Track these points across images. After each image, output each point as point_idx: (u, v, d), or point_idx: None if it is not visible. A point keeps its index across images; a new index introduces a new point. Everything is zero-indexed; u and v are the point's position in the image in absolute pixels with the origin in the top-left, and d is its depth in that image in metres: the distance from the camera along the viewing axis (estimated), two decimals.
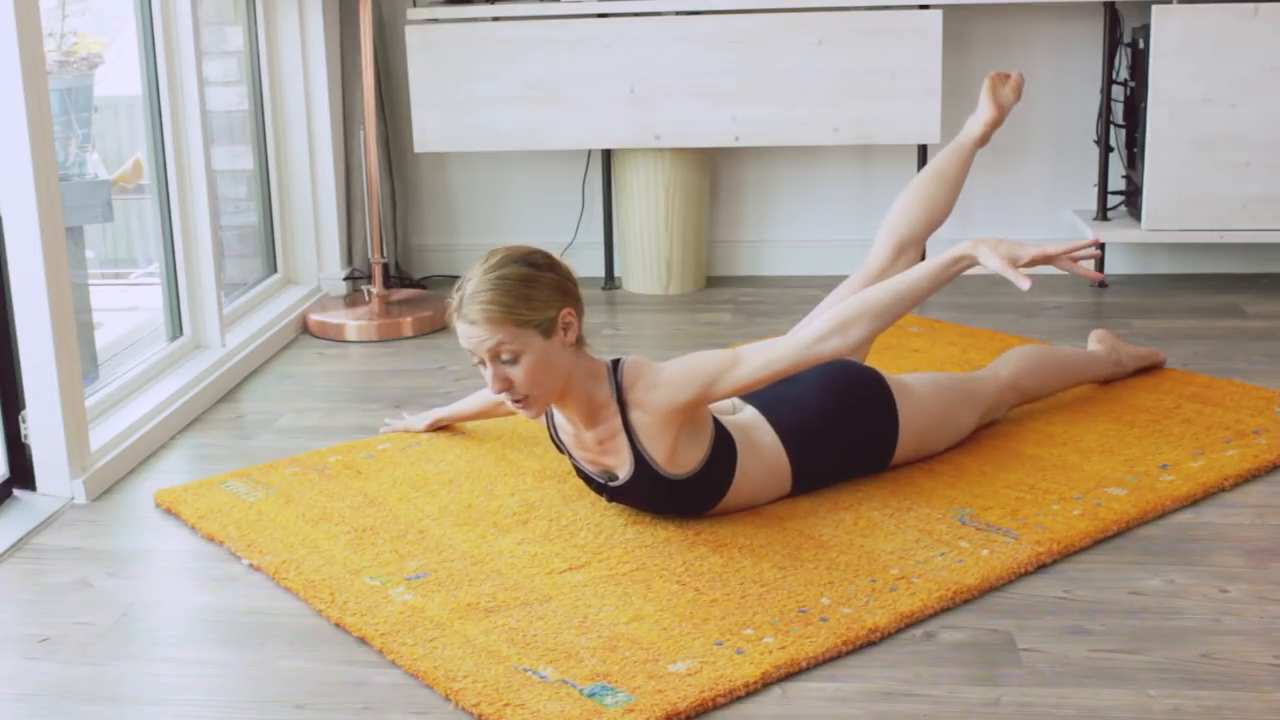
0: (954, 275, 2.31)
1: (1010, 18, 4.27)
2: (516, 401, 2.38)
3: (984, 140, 2.99)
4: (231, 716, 2.01)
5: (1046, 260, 2.26)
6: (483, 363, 2.35)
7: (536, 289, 2.32)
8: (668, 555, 2.42)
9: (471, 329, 2.32)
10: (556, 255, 2.43)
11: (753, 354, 2.38)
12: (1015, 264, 2.20)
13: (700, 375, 2.37)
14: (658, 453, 2.43)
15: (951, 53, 4.23)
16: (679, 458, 2.44)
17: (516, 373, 2.34)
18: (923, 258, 2.89)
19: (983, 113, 2.97)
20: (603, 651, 2.10)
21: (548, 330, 2.33)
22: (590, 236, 4.50)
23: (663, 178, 4.22)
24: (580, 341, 2.42)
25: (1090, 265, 2.20)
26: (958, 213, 4.41)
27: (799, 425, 2.60)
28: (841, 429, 2.64)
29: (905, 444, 2.72)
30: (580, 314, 2.41)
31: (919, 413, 2.73)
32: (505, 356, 2.33)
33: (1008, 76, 2.99)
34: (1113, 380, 3.20)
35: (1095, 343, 3.25)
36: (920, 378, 2.82)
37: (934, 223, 2.94)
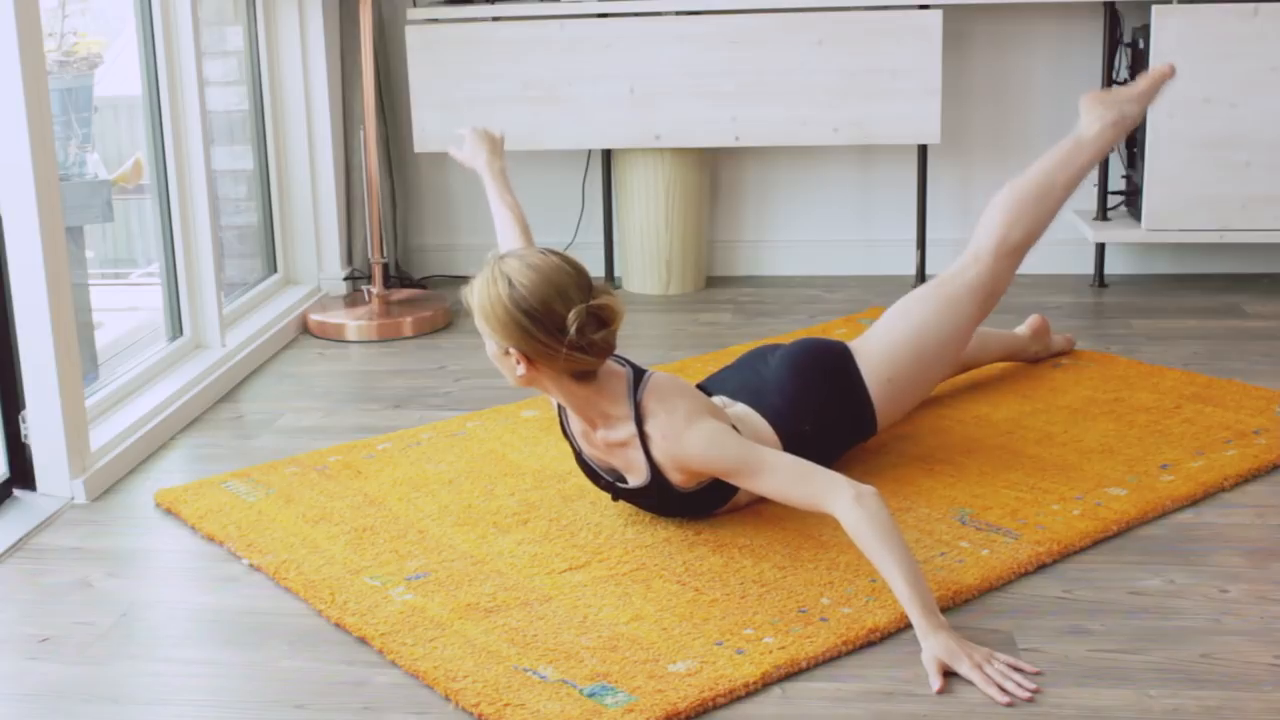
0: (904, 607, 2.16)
1: (1010, 18, 4.27)
2: None
3: (1031, 355, 3.36)
4: (231, 716, 2.02)
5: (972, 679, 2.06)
6: None
7: (496, 316, 2.30)
8: (668, 555, 2.42)
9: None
10: (569, 303, 2.28)
11: (773, 479, 2.29)
12: (944, 670, 2.03)
13: (716, 465, 2.36)
14: (674, 475, 2.43)
15: (951, 53, 4.23)
16: (694, 479, 2.45)
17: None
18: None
19: (1032, 328, 3.36)
20: (603, 651, 2.10)
21: (504, 350, 2.34)
22: (590, 236, 4.50)
23: (663, 178, 4.22)
24: (582, 373, 2.37)
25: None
26: (959, 210, 4.42)
27: (785, 410, 2.60)
28: (821, 404, 2.64)
29: (882, 401, 2.71)
30: (557, 355, 2.29)
31: (885, 367, 2.71)
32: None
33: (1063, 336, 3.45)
34: (1098, 160, 2.95)
35: (1084, 112, 2.92)
36: (884, 327, 2.76)
37: (971, 364, 3.18)
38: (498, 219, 2.77)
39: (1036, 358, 3.36)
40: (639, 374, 2.43)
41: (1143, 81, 2.93)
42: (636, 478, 2.47)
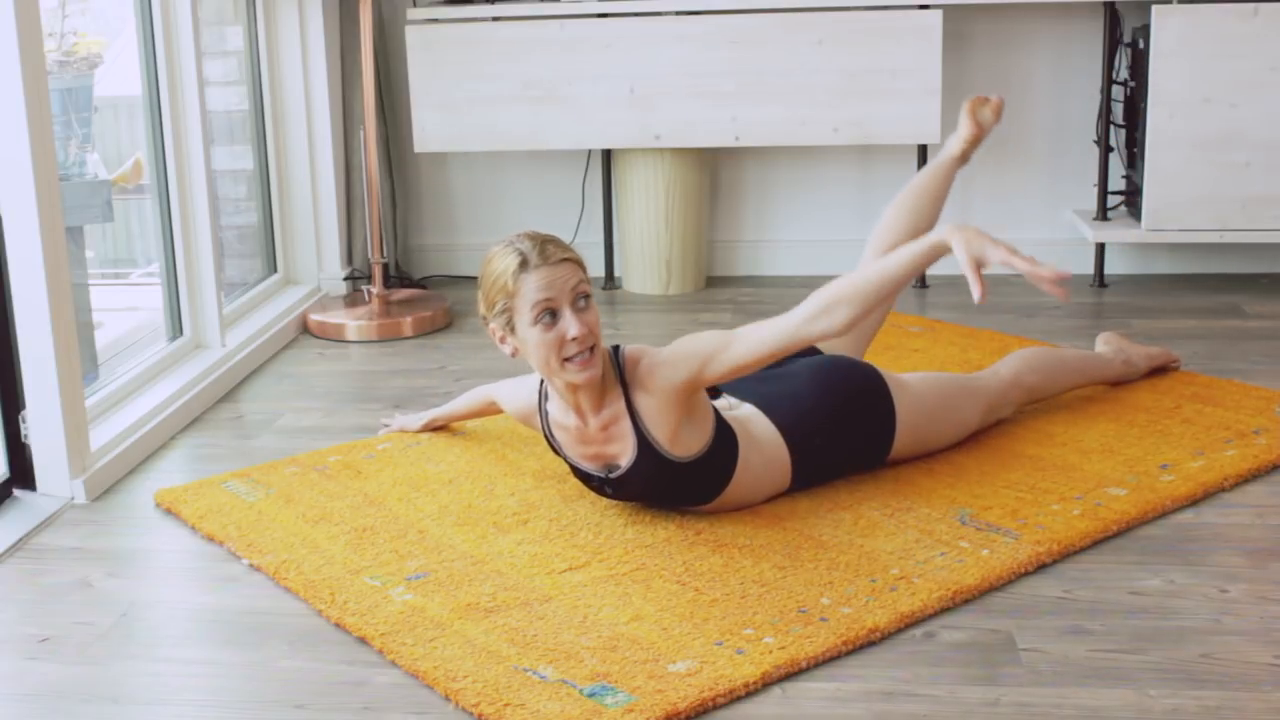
0: (931, 261, 2.36)
1: (1010, 18, 4.27)
2: (584, 359, 2.38)
3: (964, 158, 3.03)
4: (231, 716, 2.02)
5: (1011, 265, 2.29)
6: (552, 314, 2.35)
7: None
8: (668, 555, 2.42)
9: (556, 270, 2.36)
10: None
11: (745, 334, 2.42)
12: (979, 266, 2.24)
13: (696, 354, 2.41)
14: (661, 434, 2.43)
15: (951, 53, 4.23)
16: (682, 439, 2.45)
17: (591, 317, 2.38)
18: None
19: (962, 130, 3.00)
20: (603, 651, 2.10)
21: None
22: (590, 236, 4.50)
23: (663, 178, 4.22)
24: None
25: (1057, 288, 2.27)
26: (959, 210, 4.42)
27: (796, 419, 2.60)
28: (839, 422, 2.64)
29: (903, 436, 2.72)
30: None
31: (915, 405, 2.74)
32: (584, 298, 2.38)
33: (988, 99, 3.02)
34: (1124, 381, 3.19)
35: (1102, 345, 3.26)
36: (919, 375, 2.83)
37: (918, 234, 2.96)
38: (467, 403, 3.04)
39: (1124, 377, 3.22)
40: (615, 347, 2.50)
41: (1155, 350, 3.27)
42: (627, 456, 2.47)
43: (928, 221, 2.97)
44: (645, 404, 2.43)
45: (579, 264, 2.41)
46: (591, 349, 2.38)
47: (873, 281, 2.34)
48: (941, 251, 2.33)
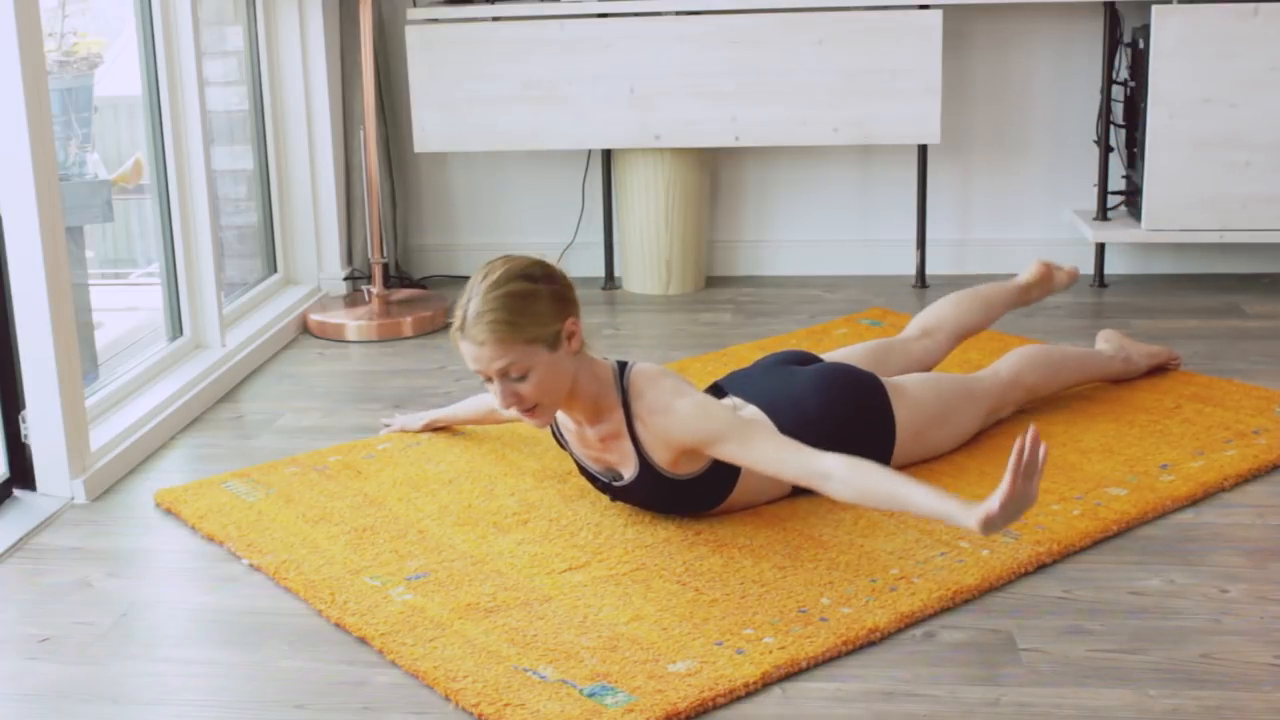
0: (945, 521, 2.21)
1: (1010, 18, 4.27)
2: (526, 412, 2.38)
3: (1025, 294, 3.19)
4: (231, 716, 2.02)
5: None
6: (489, 379, 2.35)
7: (539, 303, 2.32)
8: (668, 555, 2.42)
9: (479, 350, 2.30)
10: (553, 262, 2.43)
11: (766, 441, 2.35)
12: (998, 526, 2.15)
13: (708, 432, 2.37)
14: (661, 459, 2.43)
15: (951, 53, 4.23)
16: (683, 463, 2.45)
17: (525, 388, 2.34)
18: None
19: (1034, 274, 3.20)
20: (603, 651, 2.10)
21: (554, 344, 2.34)
22: (590, 236, 4.50)
23: (663, 178, 4.22)
24: (582, 345, 2.42)
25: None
26: (959, 210, 4.43)
27: (800, 425, 2.60)
28: (840, 429, 2.64)
29: (903, 444, 2.72)
30: (579, 318, 2.42)
31: (915, 413, 2.73)
32: (514, 375, 2.32)
33: (1063, 268, 3.23)
34: (1124, 379, 3.20)
35: (1102, 342, 3.26)
36: (918, 379, 2.82)
37: (962, 332, 3.10)
38: (470, 408, 3.03)
39: (1124, 374, 3.23)
40: (623, 365, 2.47)
41: (1156, 348, 3.29)
42: (628, 470, 2.47)
43: (973, 326, 3.10)
44: (645, 435, 2.43)
45: (512, 342, 2.29)
46: (536, 407, 2.36)
47: (885, 496, 2.22)
48: (960, 524, 2.17)
